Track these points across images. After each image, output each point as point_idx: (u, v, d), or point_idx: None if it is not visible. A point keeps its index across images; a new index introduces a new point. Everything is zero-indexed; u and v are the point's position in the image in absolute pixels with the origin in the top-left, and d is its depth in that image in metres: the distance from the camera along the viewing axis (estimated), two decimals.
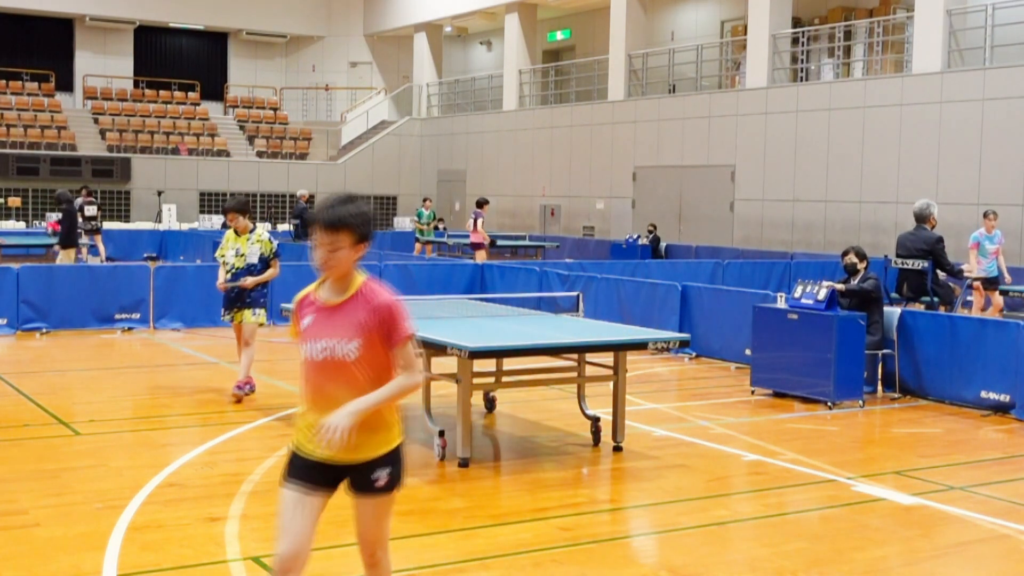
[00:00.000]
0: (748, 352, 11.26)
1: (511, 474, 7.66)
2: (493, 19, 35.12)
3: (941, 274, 12.68)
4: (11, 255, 18.81)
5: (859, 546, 6.11)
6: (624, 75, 27.82)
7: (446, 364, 8.15)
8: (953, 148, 19.96)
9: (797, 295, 10.38)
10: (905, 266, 12.66)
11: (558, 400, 10.05)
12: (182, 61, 39.67)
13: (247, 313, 9.72)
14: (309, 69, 40.62)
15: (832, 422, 9.54)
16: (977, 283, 14.22)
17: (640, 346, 8.24)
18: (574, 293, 10.15)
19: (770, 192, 23.71)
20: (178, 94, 38.16)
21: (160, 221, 30.44)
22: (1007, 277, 14.70)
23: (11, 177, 31.05)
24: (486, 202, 22.49)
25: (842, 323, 9.94)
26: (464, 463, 7.57)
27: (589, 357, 8.59)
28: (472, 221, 21.68)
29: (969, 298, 14.97)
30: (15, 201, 30.63)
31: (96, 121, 35.21)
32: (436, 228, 26.69)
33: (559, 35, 35.46)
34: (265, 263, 9.74)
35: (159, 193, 31.94)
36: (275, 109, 39.23)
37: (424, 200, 26.90)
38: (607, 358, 8.45)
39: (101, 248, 23.08)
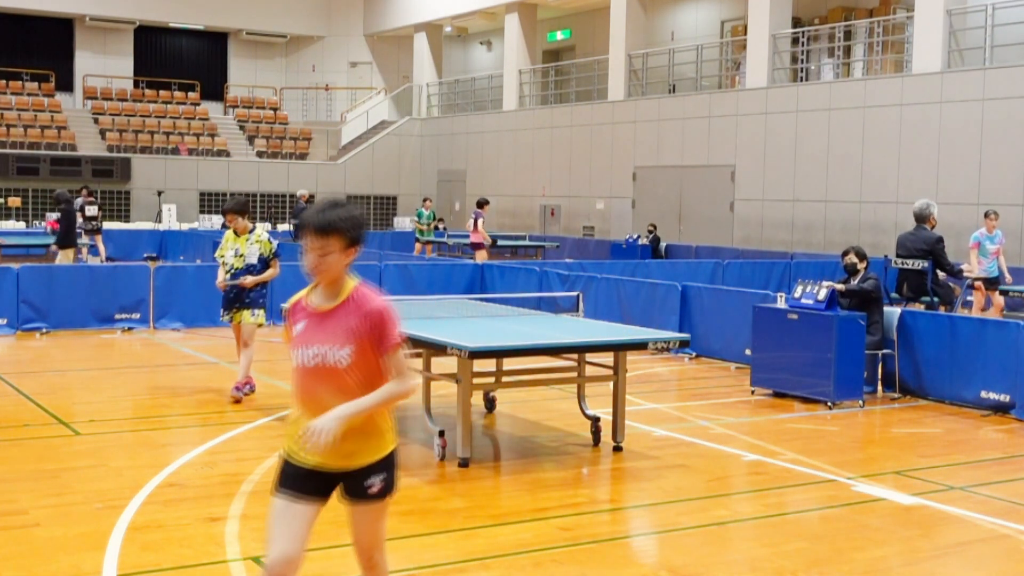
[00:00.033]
0: (748, 352, 11.26)
1: (511, 474, 7.66)
2: (493, 19, 35.12)
3: (941, 274, 12.68)
4: (11, 255, 18.80)
5: (859, 546, 6.11)
6: (624, 75, 27.82)
7: (446, 364, 8.15)
8: (953, 148, 19.96)
9: (797, 295, 10.38)
10: (905, 266, 12.65)
11: (558, 400, 10.05)
12: (182, 61, 39.67)
13: (246, 314, 9.72)
14: (309, 69, 40.62)
15: (832, 422, 9.54)
16: (979, 283, 14.21)
17: (640, 346, 8.24)
18: (574, 293, 10.15)
19: (770, 192, 23.71)
20: (178, 94, 38.17)
21: (160, 221, 30.44)
22: (1008, 277, 14.70)
23: (11, 177, 31.05)
24: (486, 202, 22.49)
25: (842, 323, 9.94)
26: (464, 463, 7.57)
27: (589, 357, 8.59)
28: (472, 221, 21.68)
29: (969, 298, 14.97)
30: (15, 201, 30.63)
31: (96, 121, 35.21)
32: (436, 228, 26.68)
33: (559, 35, 35.46)
34: (264, 263, 9.73)
35: (159, 193, 31.94)
36: (275, 109, 39.24)
37: (424, 200, 26.89)
38: (607, 358, 8.45)
39: (101, 248, 23.08)
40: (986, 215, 14.54)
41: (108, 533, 5.93)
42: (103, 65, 37.71)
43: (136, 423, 9.05)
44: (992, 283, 14.31)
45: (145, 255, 25.57)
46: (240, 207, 9.78)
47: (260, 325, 9.85)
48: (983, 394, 9.96)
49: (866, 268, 10.57)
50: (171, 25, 38.40)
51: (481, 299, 11.80)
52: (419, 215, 26.08)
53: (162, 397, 10.18)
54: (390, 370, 3.87)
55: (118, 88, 37.28)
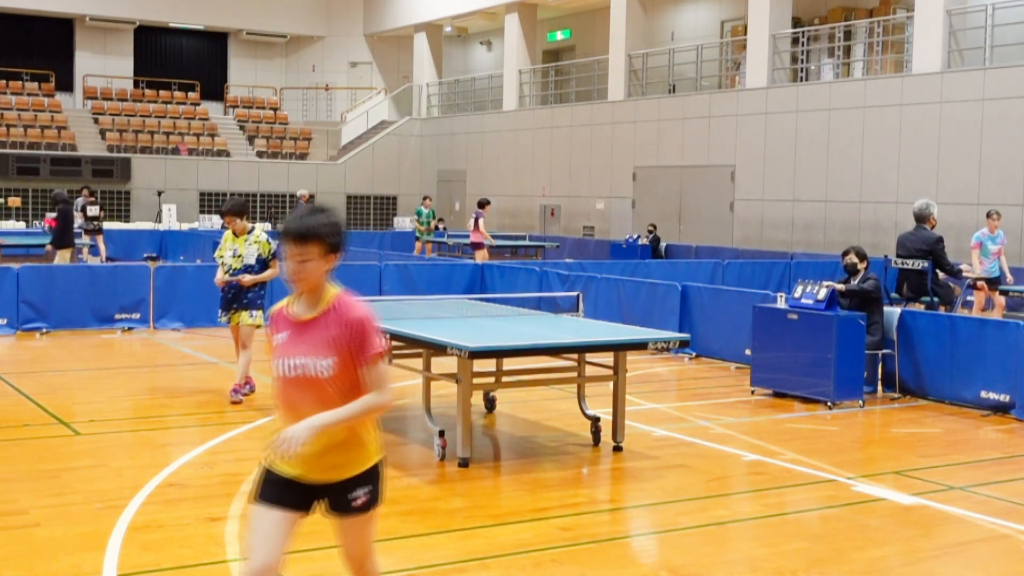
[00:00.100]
0: (748, 352, 11.26)
1: (511, 474, 7.66)
2: (493, 19, 35.12)
3: (941, 274, 12.68)
4: (11, 255, 18.79)
5: (859, 546, 6.11)
6: (624, 75, 27.82)
7: (446, 364, 8.15)
8: (953, 148, 19.96)
9: (797, 295, 10.38)
10: (905, 266, 12.65)
11: (558, 400, 10.05)
12: (182, 61, 39.67)
13: (244, 315, 9.72)
14: (309, 69, 40.62)
15: (832, 422, 9.54)
16: (981, 283, 14.20)
17: (640, 346, 8.24)
18: (574, 293, 10.16)
19: (770, 192, 23.71)
20: (178, 94, 38.16)
21: (160, 221, 30.44)
22: (1009, 277, 14.69)
23: (11, 177, 31.05)
24: (487, 202, 22.50)
25: (842, 323, 9.94)
26: (464, 463, 7.57)
27: (589, 357, 8.59)
28: (473, 220, 21.68)
29: (969, 298, 14.97)
30: (15, 201, 30.64)
31: (96, 121, 35.21)
32: (436, 228, 26.67)
33: (559, 35, 35.46)
34: (263, 264, 9.73)
35: (159, 193, 31.94)
36: (275, 109, 39.24)
37: (424, 199, 26.88)
38: (607, 358, 8.45)
39: (102, 248, 23.07)
40: (988, 215, 14.53)
41: (108, 533, 5.93)
42: (103, 65, 37.71)
43: (136, 423, 9.05)
44: (993, 283, 14.31)
45: (145, 255, 25.57)
46: (239, 208, 9.79)
47: (258, 326, 9.84)
48: (983, 394, 9.96)
49: (866, 268, 10.57)
50: (171, 25, 38.40)
51: (481, 299, 11.80)
52: (418, 213, 26.07)
53: (162, 397, 10.18)
54: (369, 381, 3.78)
55: (118, 88, 37.28)
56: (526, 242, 25.19)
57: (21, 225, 28.74)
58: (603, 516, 6.77)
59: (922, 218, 12.68)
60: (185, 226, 30.31)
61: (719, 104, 25.04)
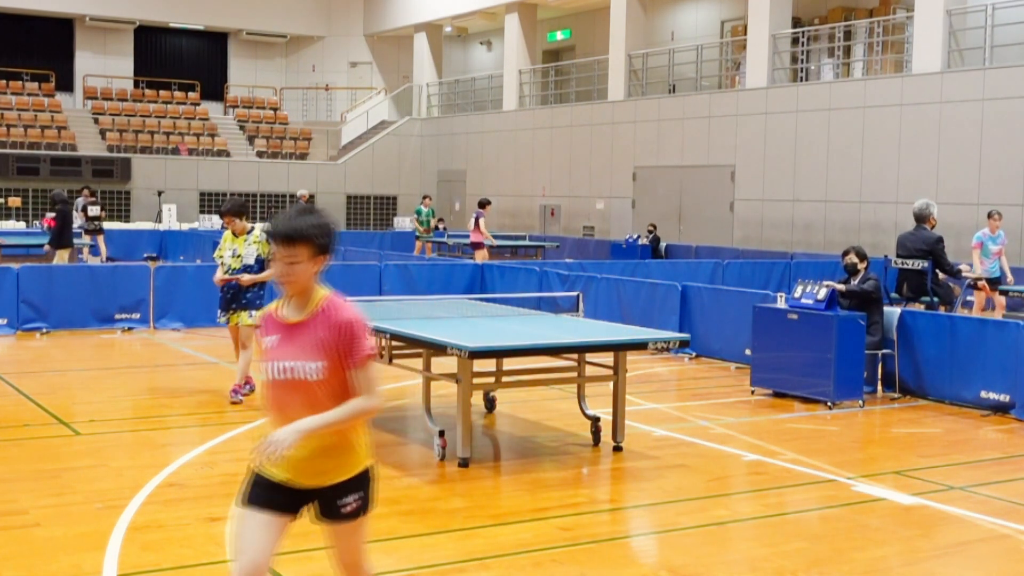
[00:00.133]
0: (748, 352, 11.26)
1: (511, 474, 7.66)
2: (493, 19, 35.12)
3: (941, 274, 12.68)
4: (11, 255, 18.79)
5: (859, 546, 6.11)
6: (624, 75, 27.82)
7: (446, 364, 8.15)
8: (953, 148, 19.96)
9: (797, 295, 10.38)
10: (905, 266, 12.66)
11: (558, 400, 10.05)
12: (182, 61, 39.67)
13: (243, 315, 9.72)
14: (309, 69, 40.62)
15: (832, 422, 9.54)
16: (982, 283, 14.20)
17: (640, 346, 8.24)
18: (574, 293, 10.16)
19: (770, 192, 23.71)
20: (178, 94, 38.16)
21: (160, 221, 30.44)
22: (1010, 277, 14.68)
23: (11, 177, 31.05)
24: (488, 202, 22.50)
25: (842, 323, 9.94)
26: (464, 463, 7.57)
27: (589, 357, 8.59)
28: (474, 220, 21.68)
29: (969, 298, 14.97)
30: (15, 201, 30.64)
31: (96, 121, 35.21)
32: (436, 228, 26.68)
33: (559, 35, 35.46)
34: (262, 264, 9.73)
35: (159, 193, 31.94)
36: (275, 109, 39.23)
37: (423, 198, 26.90)
38: (607, 358, 8.45)
39: (103, 248, 23.08)
40: (989, 215, 14.52)
41: (108, 533, 5.93)
42: (103, 65, 37.71)
43: (136, 423, 9.05)
44: (994, 283, 14.30)
45: (145, 255, 25.57)
46: (238, 208, 9.80)
47: (257, 327, 9.84)
48: (983, 394, 9.96)
49: (866, 268, 10.57)
50: (171, 25, 38.40)
51: (481, 299, 11.80)
52: (418, 212, 26.10)
53: (162, 397, 10.18)
54: (358, 385, 3.72)
55: (118, 88, 37.28)
56: (526, 242, 25.20)
57: (21, 225, 28.74)
58: (603, 516, 6.77)
59: (922, 218, 12.68)
60: (185, 226, 30.31)
61: (719, 104, 25.04)
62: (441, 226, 27.70)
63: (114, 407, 9.63)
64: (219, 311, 9.88)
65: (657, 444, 8.52)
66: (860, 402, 10.16)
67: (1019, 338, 9.65)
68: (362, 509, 3.82)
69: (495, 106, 33.58)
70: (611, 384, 8.37)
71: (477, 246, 21.49)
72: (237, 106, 38.80)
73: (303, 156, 36.77)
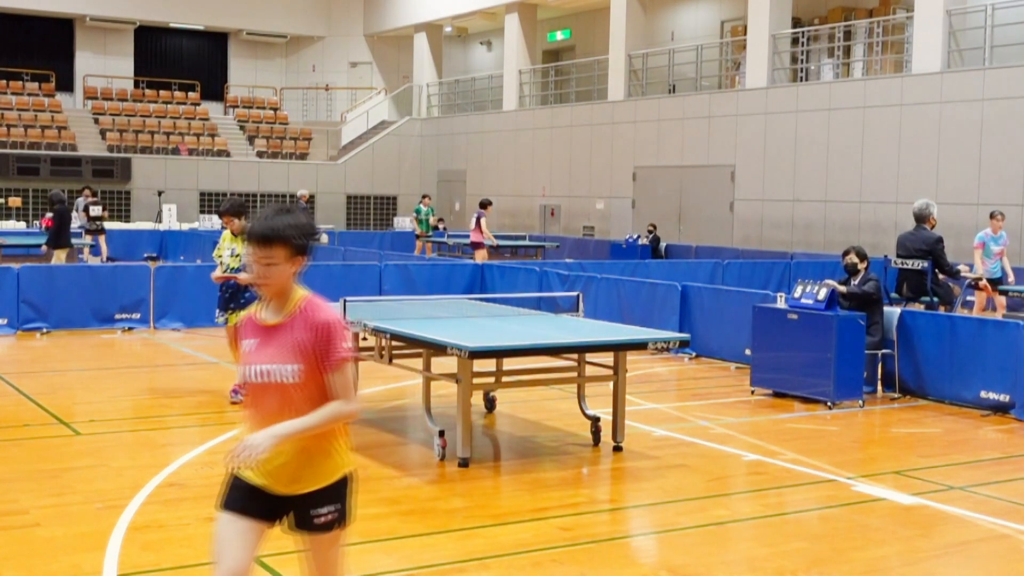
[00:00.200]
0: (748, 352, 11.26)
1: (511, 474, 7.66)
2: (493, 19, 35.12)
3: (941, 274, 12.68)
4: (11, 255, 18.79)
5: (859, 546, 6.11)
6: (624, 75, 27.82)
7: (446, 364, 8.15)
8: (953, 148, 19.96)
9: (797, 295, 10.38)
10: (905, 266, 12.66)
11: (558, 400, 10.05)
12: (182, 61, 39.67)
13: (242, 315, 9.71)
14: (309, 69, 40.62)
15: (832, 422, 9.54)
16: (984, 283, 14.19)
17: (640, 346, 8.24)
18: (574, 293, 10.16)
19: (770, 192, 23.72)
20: (178, 94, 38.17)
21: (160, 221, 30.44)
22: (1011, 278, 14.66)
23: (11, 177, 31.05)
24: (489, 203, 22.50)
25: (842, 323, 9.94)
26: (464, 463, 7.57)
27: (589, 357, 8.59)
28: (474, 220, 21.68)
29: (970, 298, 14.97)
30: (15, 201, 30.64)
31: (96, 121, 35.21)
32: (436, 228, 26.69)
33: (559, 35, 35.46)
34: None
35: (159, 193, 31.94)
36: (275, 109, 39.24)
37: (423, 197, 26.91)
38: (607, 358, 8.45)
39: (103, 248, 23.08)
40: (992, 215, 14.50)
41: (108, 533, 5.93)
42: (103, 65, 37.71)
43: (136, 423, 9.05)
44: (995, 284, 14.30)
45: (145, 255, 25.57)
46: (237, 208, 9.81)
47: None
48: (983, 394, 9.97)
49: (866, 268, 10.57)
50: (171, 25, 38.40)
51: (481, 299, 11.80)
52: (417, 212, 26.11)
53: (162, 397, 10.19)
54: (334, 388, 3.63)
55: (118, 88, 37.28)
56: (526, 242, 25.21)
57: (21, 225, 28.75)
58: (603, 516, 6.77)
59: (922, 218, 12.68)
60: (185, 226, 30.32)
61: (719, 104, 25.04)
62: (441, 226, 27.71)
63: (114, 407, 9.63)
64: (217, 311, 9.89)
65: (657, 444, 8.52)
66: (860, 402, 10.16)
67: (1019, 338, 9.65)
68: (337, 521, 3.69)
69: (495, 106, 33.58)
70: (611, 384, 8.37)
71: (477, 246, 21.49)
72: (237, 106, 38.81)
73: (303, 156, 36.77)
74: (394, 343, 8.35)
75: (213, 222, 30.44)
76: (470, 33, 39.76)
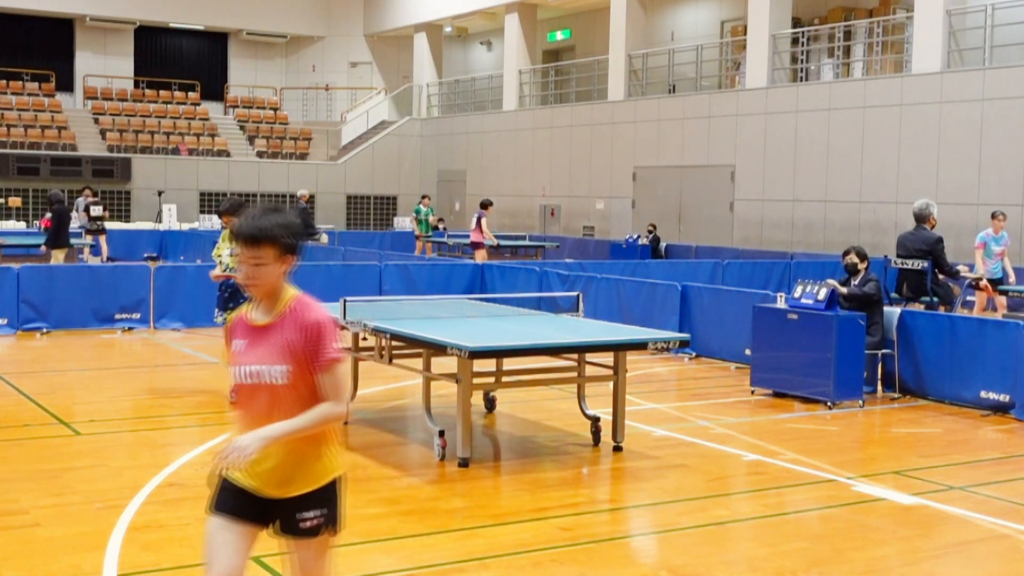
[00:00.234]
0: (748, 352, 11.26)
1: (511, 474, 7.66)
2: (493, 19, 35.12)
3: (940, 274, 12.68)
4: (11, 255, 18.79)
5: (859, 546, 6.11)
6: (624, 75, 27.81)
7: (446, 364, 8.15)
8: (953, 148, 19.96)
9: (797, 295, 10.38)
10: (905, 266, 12.66)
11: (558, 400, 10.05)
12: (182, 61, 39.67)
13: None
14: (309, 69, 40.62)
15: (832, 422, 9.54)
16: (985, 284, 14.18)
17: (640, 346, 8.24)
18: (574, 293, 10.16)
19: (770, 192, 23.72)
20: (178, 94, 38.17)
21: (160, 221, 30.44)
22: (1012, 278, 14.65)
23: (11, 177, 31.06)
24: (490, 203, 22.51)
25: (842, 323, 9.94)
26: (464, 463, 7.57)
27: (589, 357, 8.59)
28: (475, 220, 21.67)
29: (970, 298, 14.96)
30: (15, 201, 30.64)
31: (96, 121, 35.21)
32: (435, 228, 26.68)
33: (559, 35, 35.46)
34: None
35: (159, 193, 31.94)
36: (275, 109, 39.24)
37: (422, 197, 26.91)
38: (607, 358, 8.45)
39: (104, 248, 23.08)
40: (993, 216, 14.49)
41: (108, 533, 5.93)
42: (103, 65, 37.71)
43: (136, 423, 9.05)
44: (995, 284, 14.29)
45: (145, 255, 25.57)
46: (236, 208, 9.80)
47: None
48: (983, 394, 9.97)
49: (866, 268, 10.57)
50: (171, 25, 38.40)
51: (481, 299, 11.80)
52: (417, 212, 26.12)
53: (162, 397, 10.19)
54: (324, 389, 3.56)
55: (118, 88, 37.28)
56: (526, 242, 25.21)
57: (21, 225, 28.75)
58: (603, 516, 6.77)
59: (922, 218, 12.68)
60: (185, 226, 30.32)
61: (719, 104, 25.04)
62: (441, 226, 27.71)
63: (114, 407, 9.63)
64: (216, 310, 9.89)
65: (657, 444, 8.52)
66: (860, 402, 10.16)
67: (1019, 338, 9.66)
68: (324, 526, 3.61)
69: (495, 106, 33.58)
70: (611, 384, 8.37)
71: (477, 246, 21.49)
72: (237, 106, 38.81)
73: (303, 156, 36.77)
74: (394, 343, 8.35)
75: (213, 222, 30.44)
76: (470, 33, 39.76)
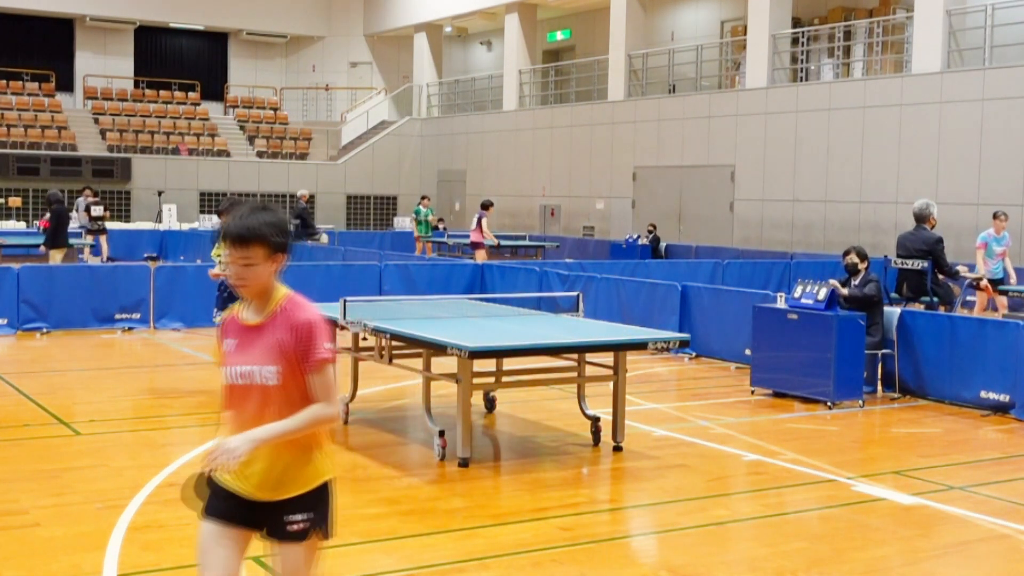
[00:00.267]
0: (748, 352, 11.26)
1: (511, 474, 7.66)
2: (493, 19, 35.12)
3: (940, 275, 12.68)
4: (11, 255, 18.79)
5: (859, 546, 6.11)
6: (624, 75, 27.81)
7: (446, 364, 8.15)
8: (953, 148, 19.96)
9: (797, 295, 10.38)
10: (905, 266, 12.66)
11: (558, 400, 10.05)
12: (182, 61, 39.67)
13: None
14: (309, 69, 40.62)
15: (832, 422, 9.54)
16: (985, 284, 14.18)
17: (640, 346, 8.24)
18: (574, 293, 10.16)
19: (770, 192, 23.71)
20: (178, 94, 38.17)
21: (160, 221, 30.44)
22: (1013, 278, 14.64)
23: (11, 177, 31.06)
24: (491, 204, 22.52)
25: (842, 323, 9.94)
26: (464, 463, 7.57)
27: (589, 357, 8.59)
28: (476, 220, 21.67)
29: (970, 298, 14.96)
30: (15, 201, 30.64)
31: (96, 121, 35.21)
32: (435, 228, 26.68)
33: (559, 35, 35.46)
34: None
35: (159, 193, 31.94)
36: (275, 109, 39.24)
37: (422, 198, 26.91)
38: (607, 358, 8.45)
39: (104, 248, 23.07)
40: (995, 216, 14.47)
41: (108, 533, 5.93)
42: (103, 65, 37.71)
43: (136, 423, 9.05)
44: (996, 284, 14.28)
45: (145, 255, 25.56)
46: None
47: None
48: (983, 394, 9.97)
49: (867, 268, 10.57)
50: (171, 25, 38.40)
51: (481, 299, 11.80)
52: (417, 213, 26.12)
53: (162, 397, 10.18)
54: (314, 390, 3.49)
55: (118, 88, 37.28)
56: (526, 242, 25.21)
57: (21, 225, 28.75)
58: (603, 516, 6.77)
59: (922, 218, 12.69)
60: (185, 226, 30.31)
61: (719, 104, 25.04)
62: (441, 226, 27.71)
63: (114, 407, 9.63)
64: (215, 310, 9.89)
65: (657, 444, 8.52)
66: (860, 402, 10.16)
67: (1019, 338, 9.66)
68: (312, 530, 3.54)
69: (495, 106, 33.58)
70: (611, 384, 8.37)
71: (477, 246, 21.49)
72: (237, 106, 38.81)
73: (303, 156, 36.78)
74: (394, 343, 8.35)
75: (213, 222, 30.42)
76: (470, 33, 39.76)
